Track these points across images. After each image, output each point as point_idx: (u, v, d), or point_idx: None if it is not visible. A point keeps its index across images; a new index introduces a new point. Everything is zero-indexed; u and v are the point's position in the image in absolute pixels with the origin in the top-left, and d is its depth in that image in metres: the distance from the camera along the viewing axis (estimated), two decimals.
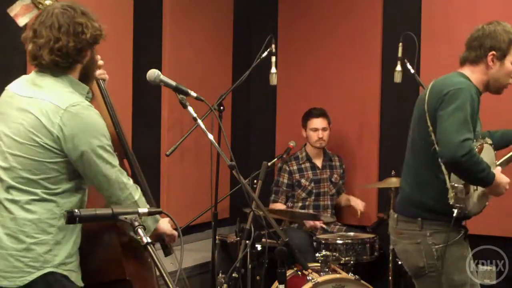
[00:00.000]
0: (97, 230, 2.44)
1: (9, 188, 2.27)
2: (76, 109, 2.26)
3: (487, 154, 2.95)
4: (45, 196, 2.27)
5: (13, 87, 2.41)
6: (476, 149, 2.86)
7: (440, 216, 2.95)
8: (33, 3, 2.63)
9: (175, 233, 2.66)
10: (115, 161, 2.36)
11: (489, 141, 3.02)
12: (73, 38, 2.29)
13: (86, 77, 2.42)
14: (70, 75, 2.35)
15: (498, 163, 3.07)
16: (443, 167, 2.90)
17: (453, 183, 2.87)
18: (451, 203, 2.88)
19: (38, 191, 2.26)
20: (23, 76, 2.46)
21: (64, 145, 2.25)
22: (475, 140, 2.87)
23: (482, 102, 3.10)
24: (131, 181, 2.41)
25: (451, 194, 2.88)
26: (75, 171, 2.32)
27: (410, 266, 3.12)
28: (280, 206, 4.82)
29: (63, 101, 2.26)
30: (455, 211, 2.88)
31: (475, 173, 2.82)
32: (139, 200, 2.41)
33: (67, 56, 2.30)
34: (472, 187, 2.92)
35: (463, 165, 2.77)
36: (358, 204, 4.85)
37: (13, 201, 2.26)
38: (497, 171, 2.95)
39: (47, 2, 2.61)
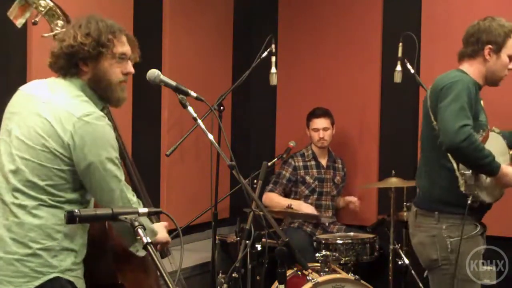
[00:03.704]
0: (90, 235, 2.43)
1: (15, 191, 2.25)
2: (89, 119, 2.24)
3: (496, 143, 3.04)
4: (52, 203, 2.26)
5: (27, 89, 2.40)
6: (481, 137, 2.96)
7: (457, 208, 3.03)
8: (27, 3, 2.65)
9: (169, 241, 2.67)
10: (122, 175, 2.32)
11: (496, 130, 3.10)
12: (58, 44, 2.33)
13: (101, 98, 2.38)
14: (80, 79, 2.35)
15: (511, 152, 3.14)
16: (450, 156, 2.99)
17: (461, 171, 2.97)
18: (462, 191, 2.97)
19: (45, 197, 2.25)
20: (39, 80, 2.45)
21: (74, 153, 2.23)
22: (480, 130, 2.99)
23: (489, 102, 3.16)
24: (135, 198, 2.38)
25: (460, 181, 2.98)
26: (81, 181, 2.30)
27: (424, 259, 3.19)
28: (275, 196, 4.81)
29: (77, 110, 2.25)
30: (469, 199, 2.96)
31: (476, 159, 2.90)
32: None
33: (53, 59, 2.34)
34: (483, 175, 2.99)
35: (464, 150, 2.87)
36: (351, 199, 4.90)
37: (20, 206, 2.24)
38: (504, 162, 3.01)
39: (42, 3, 2.62)
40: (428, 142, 3.14)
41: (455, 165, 2.99)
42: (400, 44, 4.41)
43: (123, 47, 2.39)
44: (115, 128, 2.68)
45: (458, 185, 2.98)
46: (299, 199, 4.86)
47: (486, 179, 3.00)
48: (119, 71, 2.37)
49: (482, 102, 3.15)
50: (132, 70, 2.42)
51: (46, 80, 2.40)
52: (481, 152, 2.89)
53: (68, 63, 2.32)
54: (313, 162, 4.90)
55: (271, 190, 4.86)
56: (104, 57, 2.33)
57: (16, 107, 2.36)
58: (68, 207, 2.28)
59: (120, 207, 2.01)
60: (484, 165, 2.91)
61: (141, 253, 2.41)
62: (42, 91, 2.34)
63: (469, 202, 2.96)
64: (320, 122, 4.84)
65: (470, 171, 2.95)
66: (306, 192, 4.85)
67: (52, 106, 2.27)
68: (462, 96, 2.94)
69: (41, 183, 2.24)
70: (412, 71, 4.31)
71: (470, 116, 2.92)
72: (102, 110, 2.38)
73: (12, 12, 2.67)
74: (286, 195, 4.88)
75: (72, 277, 2.30)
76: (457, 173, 2.98)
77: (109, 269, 2.49)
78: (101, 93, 2.38)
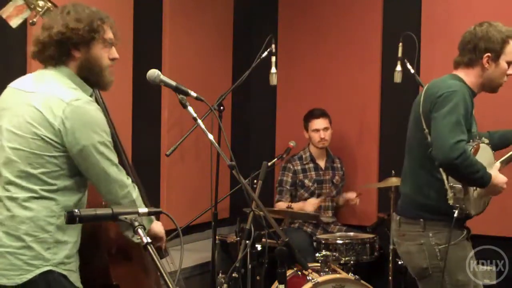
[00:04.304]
0: (84, 235, 2.43)
1: (8, 184, 2.27)
2: (79, 103, 2.26)
3: (484, 154, 2.97)
4: (44, 193, 2.27)
5: (16, 84, 2.42)
6: (472, 149, 2.88)
7: (442, 216, 2.97)
8: (26, 4, 2.63)
9: (164, 237, 2.68)
10: (115, 158, 2.35)
11: (486, 141, 3.03)
12: (45, 32, 2.33)
13: (90, 82, 2.40)
14: (67, 68, 2.36)
15: (497, 162, 3.07)
16: (440, 168, 2.92)
17: (451, 184, 2.90)
18: (450, 204, 2.91)
19: (37, 188, 2.26)
20: (26, 75, 2.48)
21: (66, 139, 2.25)
22: (471, 141, 2.91)
23: (479, 104, 3.11)
24: (129, 180, 2.41)
25: (450, 194, 2.91)
26: (75, 167, 2.31)
27: (414, 268, 3.13)
28: (283, 205, 4.80)
29: (66, 95, 2.27)
30: (456, 211, 2.90)
31: (470, 175, 2.84)
32: (137, 199, 2.41)
33: (40, 47, 2.34)
34: (472, 188, 2.93)
35: (458, 167, 2.80)
36: (350, 194, 4.87)
37: (12, 198, 2.26)
38: (494, 170, 2.97)
39: (40, 3, 2.61)
40: (418, 148, 3.05)
41: (444, 177, 2.92)
42: (400, 44, 4.40)
43: (111, 33, 2.43)
44: (106, 108, 2.68)
45: (446, 198, 2.92)
46: (298, 201, 4.86)
47: (473, 193, 2.95)
48: (107, 56, 2.41)
49: (473, 110, 3.05)
50: (117, 55, 2.45)
51: (33, 74, 2.43)
52: (475, 167, 2.83)
53: (59, 51, 2.34)
54: (311, 165, 4.89)
55: (279, 200, 4.85)
56: (96, 42, 2.36)
57: (5, 103, 2.38)
58: (60, 197, 2.29)
59: (120, 207, 2.00)
60: (477, 179, 2.86)
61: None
62: (29, 83, 2.37)
63: (455, 215, 2.89)
64: (320, 123, 4.84)
65: (460, 185, 2.89)
66: (306, 195, 4.85)
67: (41, 94, 2.29)
68: (459, 109, 2.85)
69: (34, 172, 2.25)
70: (412, 71, 4.30)
71: (465, 131, 2.85)
72: (90, 96, 2.39)
73: (4, 11, 2.63)
74: (292, 199, 4.87)
75: (65, 271, 2.31)
76: (447, 186, 2.91)
77: (103, 269, 2.48)
78: (93, 78, 2.40)
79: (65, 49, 2.34)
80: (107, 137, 2.33)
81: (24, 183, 2.26)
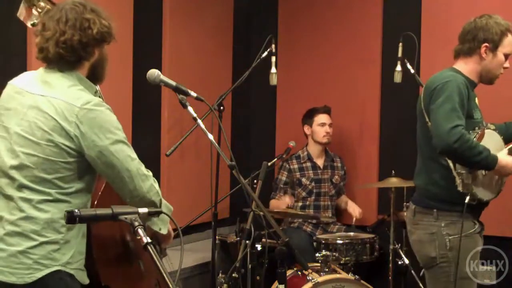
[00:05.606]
0: None
1: (21, 187, 2.26)
2: (90, 106, 2.26)
3: (491, 139, 3.04)
4: (58, 196, 2.27)
5: (20, 83, 2.38)
6: (477, 135, 2.96)
7: (455, 206, 3.03)
8: (30, 3, 2.64)
9: (172, 233, 2.68)
10: (133, 153, 2.35)
11: (492, 127, 3.10)
12: (78, 32, 2.29)
13: (95, 77, 2.41)
14: (78, 71, 2.34)
15: (507, 148, 3.12)
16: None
17: (458, 170, 2.97)
18: (460, 190, 2.97)
19: (52, 191, 2.26)
20: (29, 72, 2.44)
21: (83, 143, 2.24)
22: (476, 128, 3.00)
23: (486, 99, 3.14)
24: (150, 173, 2.41)
25: (458, 181, 2.98)
26: (86, 169, 2.31)
27: (423, 256, 3.19)
28: (274, 202, 4.83)
29: (76, 99, 2.26)
30: (467, 198, 2.96)
31: (472, 157, 2.91)
32: (159, 190, 2.43)
33: (72, 49, 2.29)
34: (480, 172, 2.99)
35: (457, 151, 2.87)
36: (355, 210, 4.87)
37: (26, 200, 2.25)
38: (501, 152, 3.02)
39: (41, 4, 2.62)
40: (424, 141, 3.14)
41: (451, 165, 2.99)
42: (400, 44, 4.41)
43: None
44: None
45: (455, 185, 2.98)
46: (297, 201, 4.87)
47: (483, 177, 3.00)
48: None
49: (476, 99, 3.15)
50: None
51: (36, 73, 2.39)
52: (476, 149, 2.89)
53: (92, 50, 2.34)
54: (308, 164, 4.90)
55: (272, 197, 4.90)
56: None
57: (10, 103, 2.34)
58: (74, 199, 2.29)
59: (120, 207, 2.00)
60: (481, 161, 2.91)
61: (164, 230, 2.52)
62: (35, 85, 2.33)
63: (466, 201, 2.96)
64: (326, 118, 4.88)
65: (467, 170, 2.95)
66: (304, 194, 4.85)
67: (51, 99, 2.27)
68: (453, 97, 2.94)
69: (49, 177, 2.25)
70: (412, 71, 4.31)
71: (462, 117, 2.93)
72: (94, 94, 2.39)
73: (21, 13, 2.67)
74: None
75: (72, 270, 2.31)
76: (454, 173, 2.98)
77: (91, 268, 2.46)
78: (99, 73, 2.41)
79: (93, 48, 2.34)
80: (122, 134, 2.32)
81: (38, 187, 2.25)
